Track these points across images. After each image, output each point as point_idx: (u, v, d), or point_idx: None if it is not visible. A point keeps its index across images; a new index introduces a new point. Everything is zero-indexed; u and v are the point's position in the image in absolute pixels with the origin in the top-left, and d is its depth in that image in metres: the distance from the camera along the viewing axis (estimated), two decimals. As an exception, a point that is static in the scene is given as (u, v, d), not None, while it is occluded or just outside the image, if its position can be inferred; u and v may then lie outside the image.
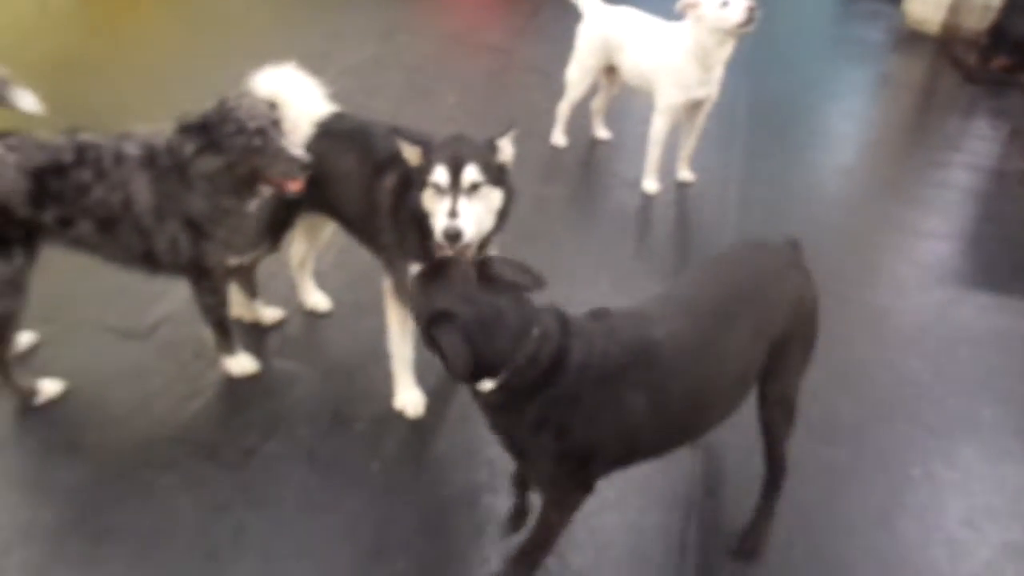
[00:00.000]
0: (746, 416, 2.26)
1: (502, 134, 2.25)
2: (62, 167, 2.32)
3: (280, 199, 2.59)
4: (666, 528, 2.41)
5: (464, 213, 2.15)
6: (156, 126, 2.42)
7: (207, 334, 2.75)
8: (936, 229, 4.37)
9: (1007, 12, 6.70)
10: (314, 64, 2.70)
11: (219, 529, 2.28)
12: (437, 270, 1.76)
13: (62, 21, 6.13)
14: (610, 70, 4.55)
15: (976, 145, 5.52)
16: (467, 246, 2.21)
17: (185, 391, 2.74)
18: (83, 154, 2.34)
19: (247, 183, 2.40)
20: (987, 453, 2.82)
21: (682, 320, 1.92)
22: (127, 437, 2.57)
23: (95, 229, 2.40)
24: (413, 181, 2.27)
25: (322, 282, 3.24)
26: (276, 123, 2.37)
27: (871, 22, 8.12)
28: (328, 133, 2.60)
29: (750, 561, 2.33)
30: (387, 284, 2.61)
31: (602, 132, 5.00)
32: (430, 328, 1.68)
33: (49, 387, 2.64)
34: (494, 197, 2.24)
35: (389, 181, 2.43)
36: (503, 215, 2.30)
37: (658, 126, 4.26)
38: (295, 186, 2.41)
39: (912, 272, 3.94)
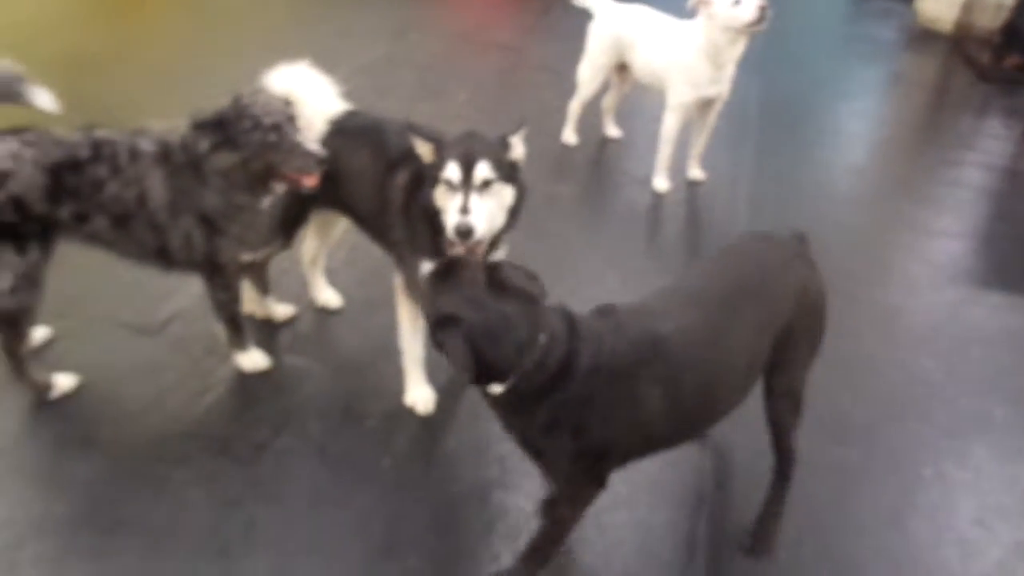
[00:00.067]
0: (754, 414, 2.26)
1: (513, 132, 2.26)
2: (78, 163, 2.33)
3: (293, 196, 2.60)
4: (675, 525, 2.41)
5: (476, 209, 2.16)
6: (170, 123, 2.43)
7: (219, 330, 2.76)
8: (948, 228, 4.36)
9: (1020, 11, 6.67)
10: (326, 62, 2.71)
11: (230, 524, 2.29)
12: (448, 271, 1.77)
13: (76, 19, 6.16)
14: (621, 68, 4.55)
15: (989, 144, 5.49)
16: (479, 242, 2.22)
17: (197, 387, 2.76)
18: (99, 150, 2.35)
19: (262, 179, 2.41)
20: (999, 453, 2.81)
21: (689, 313, 1.93)
22: (140, 432, 2.58)
23: (110, 225, 2.41)
24: (425, 178, 2.28)
25: (333, 279, 3.25)
26: (291, 119, 2.38)
27: (883, 20, 8.08)
28: (341, 130, 2.61)
29: (761, 556, 2.32)
30: (398, 281, 2.62)
31: (613, 130, 4.99)
32: (436, 331, 1.70)
33: (63, 382, 2.66)
34: (506, 194, 2.25)
35: (401, 178, 2.44)
36: (514, 212, 2.31)
37: (669, 124, 4.25)
38: (311, 182, 2.42)
39: (924, 271, 3.92)
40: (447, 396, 2.79)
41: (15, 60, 2.40)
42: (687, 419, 1.99)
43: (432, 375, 2.77)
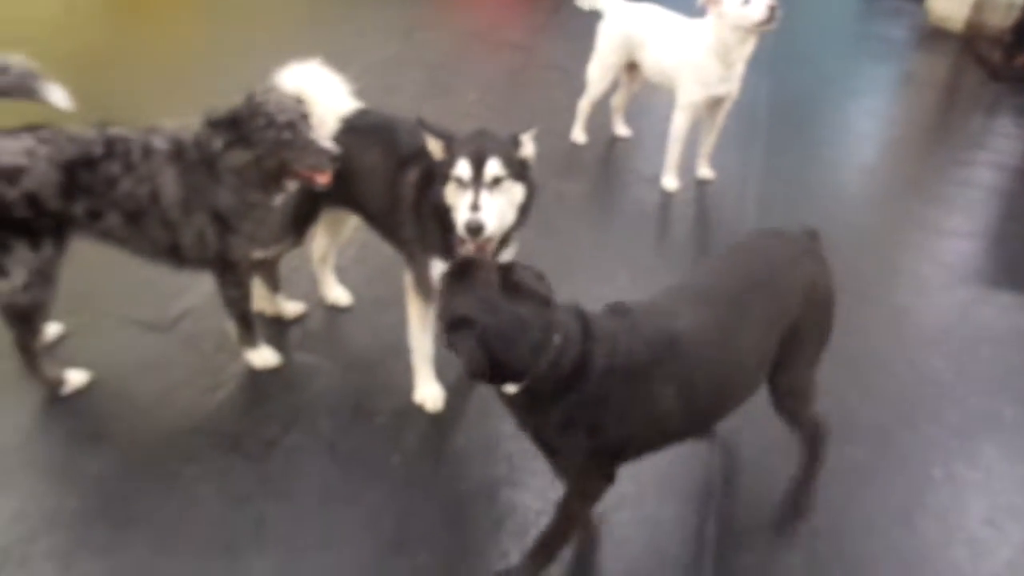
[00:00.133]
0: (761, 410, 2.26)
1: (523, 131, 2.27)
2: (92, 160, 2.34)
3: (304, 193, 2.61)
4: (683, 521, 2.42)
5: (486, 207, 2.17)
6: (183, 120, 2.45)
7: (230, 327, 2.77)
8: (959, 228, 4.34)
9: (1032, 9, 6.64)
10: (337, 61, 2.71)
11: (240, 520, 2.30)
12: (462, 272, 1.77)
13: (90, 16, 6.19)
14: (631, 67, 4.55)
15: (1000, 143, 5.47)
16: (489, 240, 2.23)
17: (208, 383, 2.77)
18: (112, 147, 2.37)
19: (275, 177, 2.43)
20: (1009, 452, 2.80)
21: (700, 311, 1.94)
22: (151, 428, 2.60)
23: (123, 222, 2.43)
24: (436, 176, 2.29)
25: (343, 277, 3.27)
26: (305, 117, 2.39)
27: (894, 19, 8.05)
28: (353, 129, 2.61)
29: (797, 520, 2.33)
30: (408, 279, 2.62)
31: (622, 129, 4.99)
32: (449, 332, 1.70)
33: (75, 377, 2.67)
34: (516, 191, 2.25)
35: (412, 176, 2.45)
36: (524, 210, 2.32)
37: (679, 123, 4.25)
38: (324, 179, 2.43)
39: (934, 271, 3.91)
40: (456, 394, 2.80)
41: (30, 56, 2.41)
42: (699, 415, 2.02)
43: (441, 373, 2.78)
